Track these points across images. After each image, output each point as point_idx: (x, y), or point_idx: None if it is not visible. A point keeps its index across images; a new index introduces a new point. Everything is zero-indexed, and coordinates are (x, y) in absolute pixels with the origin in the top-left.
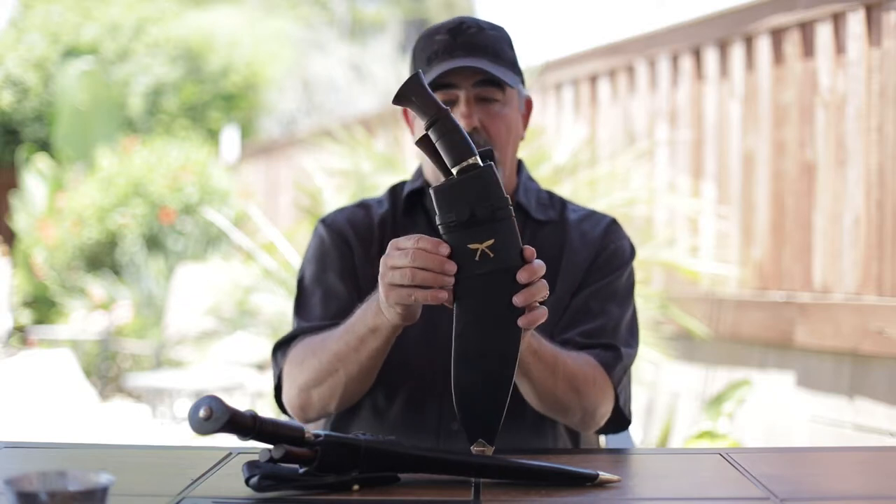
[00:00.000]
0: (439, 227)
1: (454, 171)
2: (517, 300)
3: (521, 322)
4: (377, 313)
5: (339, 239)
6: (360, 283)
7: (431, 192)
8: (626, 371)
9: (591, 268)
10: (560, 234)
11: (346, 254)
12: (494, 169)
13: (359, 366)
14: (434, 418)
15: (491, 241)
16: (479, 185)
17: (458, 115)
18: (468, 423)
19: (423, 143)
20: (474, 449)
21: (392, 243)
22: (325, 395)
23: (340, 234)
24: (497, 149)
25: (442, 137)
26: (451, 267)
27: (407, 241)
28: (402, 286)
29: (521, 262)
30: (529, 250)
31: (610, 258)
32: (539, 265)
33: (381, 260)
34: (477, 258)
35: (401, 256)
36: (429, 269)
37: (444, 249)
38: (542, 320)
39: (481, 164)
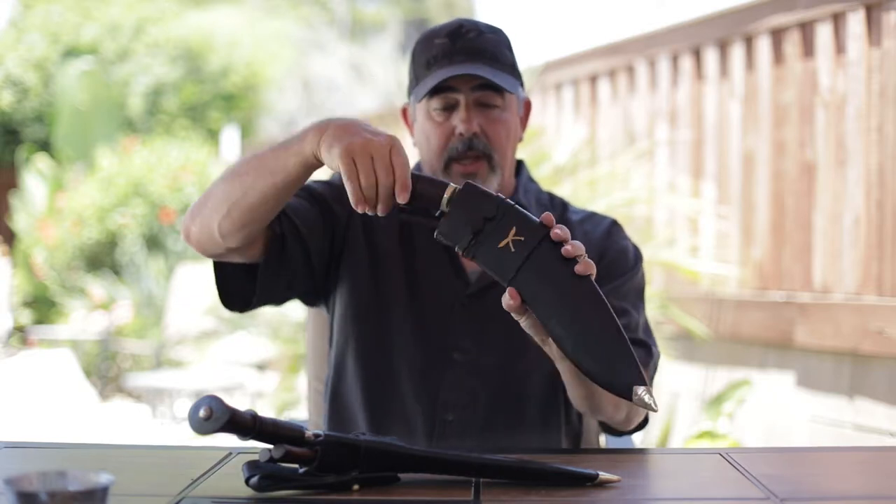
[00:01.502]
0: (465, 255)
1: (444, 207)
2: (566, 252)
3: (578, 269)
4: (311, 140)
5: (335, 191)
6: (323, 229)
7: (439, 236)
8: (657, 369)
9: (598, 271)
10: None
11: (328, 200)
12: (471, 181)
13: (269, 175)
14: (429, 409)
15: (513, 229)
16: (470, 198)
17: (458, 120)
18: (620, 387)
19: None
20: (642, 395)
21: (388, 137)
22: (214, 204)
23: (337, 188)
24: (496, 152)
25: (416, 199)
26: (388, 209)
27: (397, 156)
28: (357, 179)
29: (546, 229)
30: (547, 216)
31: (616, 259)
32: (561, 226)
33: (362, 146)
34: (513, 250)
35: (380, 160)
36: (381, 193)
37: (404, 197)
38: (594, 269)
39: (458, 186)
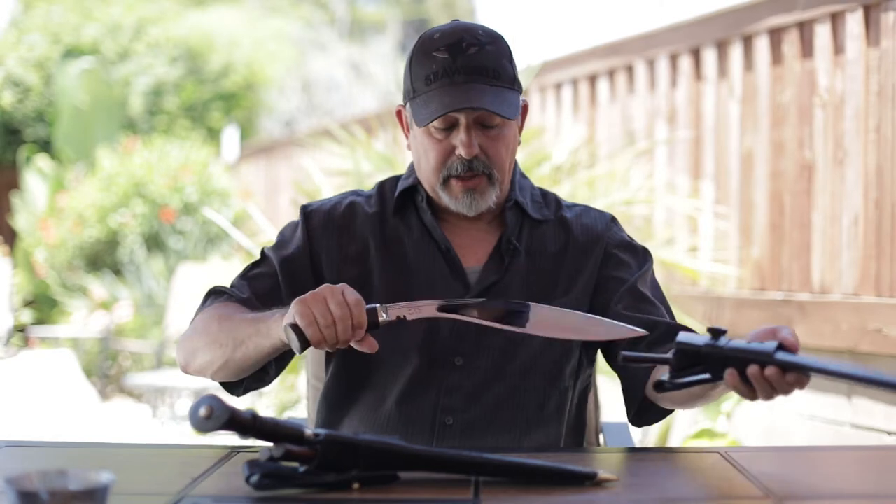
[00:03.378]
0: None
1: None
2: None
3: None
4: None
5: (310, 231)
6: (319, 278)
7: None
8: None
9: (605, 262)
10: (561, 234)
11: (305, 247)
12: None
13: (244, 350)
14: (429, 412)
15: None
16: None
17: (459, 143)
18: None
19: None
20: None
21: (332, 288)
22: (204, 362)
23: (314, 228)
24: (496, 169)
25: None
26: (349, 343)
27: (351, 294)
28: (315, 322)
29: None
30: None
31: (627, 249)
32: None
33: (318, 292)
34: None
35: (333, 299)
36: (339, 334)
37: (360, 333)
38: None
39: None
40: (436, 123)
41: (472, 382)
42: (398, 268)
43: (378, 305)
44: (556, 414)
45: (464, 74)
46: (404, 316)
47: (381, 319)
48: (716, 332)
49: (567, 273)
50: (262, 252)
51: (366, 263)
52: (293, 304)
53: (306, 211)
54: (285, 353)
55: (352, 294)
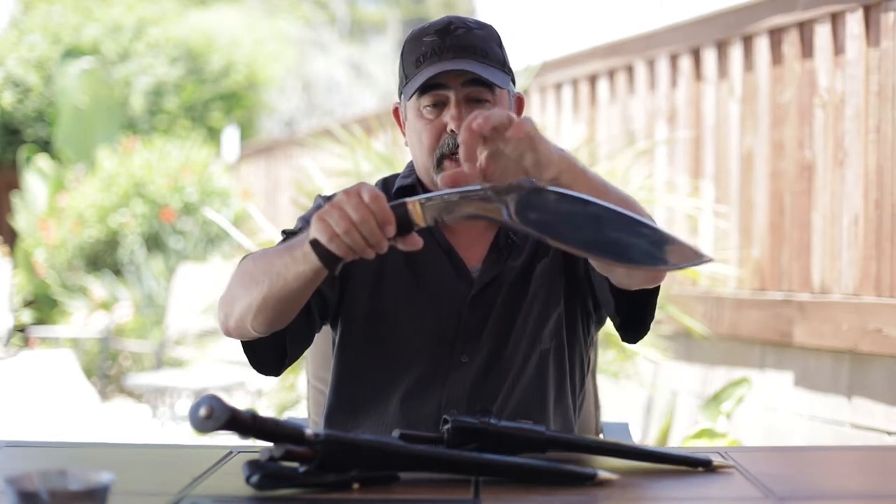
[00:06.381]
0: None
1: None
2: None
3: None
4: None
5: None
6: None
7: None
8: None
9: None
10: None
11: None
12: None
13: (283, 282)
14: (434, 410)
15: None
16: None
17: (450, 118)
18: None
19: None
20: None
21: (355, 185)
22: (243, 307)
23: None
24: None
25: None
26: (384, 245)
27: (366, 193)
28: (335, 234)
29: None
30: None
31: None
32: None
33: (334, 200)
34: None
35: (348, 204)
36: (366, 237)
37: (390, 230)
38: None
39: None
40: (426, 101)
41: (476, 380)
42: (408, 265)
43: (407, 200)
44: (561, 404)
45: (452, 52)
46: (442, 217)
47: (414, 220)
48: (484, 411)
49: (567, 275)
50: (288, 231)
51: (386, 261)
52: (312, 220)
53: (327, 197)
54: (301, 343)
55: (368, 191)
